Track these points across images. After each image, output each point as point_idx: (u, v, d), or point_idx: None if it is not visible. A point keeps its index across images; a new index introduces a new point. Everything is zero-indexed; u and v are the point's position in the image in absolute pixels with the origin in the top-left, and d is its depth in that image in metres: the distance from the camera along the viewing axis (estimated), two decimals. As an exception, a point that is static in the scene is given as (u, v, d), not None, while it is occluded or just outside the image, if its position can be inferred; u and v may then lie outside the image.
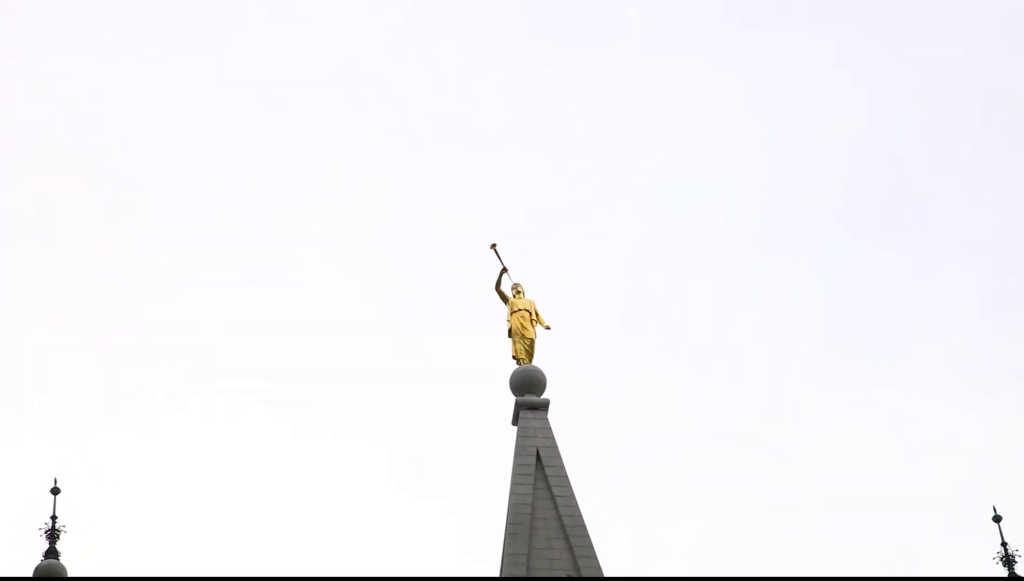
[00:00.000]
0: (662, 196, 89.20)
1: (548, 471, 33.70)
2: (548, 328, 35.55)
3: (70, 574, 31.92)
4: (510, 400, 35.37)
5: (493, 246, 36.34)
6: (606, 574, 31.57)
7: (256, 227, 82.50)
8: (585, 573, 31.34)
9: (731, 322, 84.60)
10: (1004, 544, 33.67)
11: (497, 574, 32.25)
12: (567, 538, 32.56)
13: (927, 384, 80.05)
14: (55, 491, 32.85)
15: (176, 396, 74.09)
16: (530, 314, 35.23)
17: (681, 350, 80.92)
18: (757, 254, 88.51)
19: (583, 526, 32.83)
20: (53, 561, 31.89)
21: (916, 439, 77.50)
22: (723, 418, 78.27)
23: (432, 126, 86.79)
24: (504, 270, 36.01)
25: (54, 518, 32.55)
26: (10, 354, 75.84)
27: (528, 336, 34.89)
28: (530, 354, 34.91)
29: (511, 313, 35.42)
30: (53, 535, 32.26)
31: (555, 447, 34.17)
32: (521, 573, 31.31)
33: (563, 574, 31.30)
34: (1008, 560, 33.42)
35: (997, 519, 33.98)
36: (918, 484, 73.59)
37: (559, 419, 35.67)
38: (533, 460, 33.85)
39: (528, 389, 34.82)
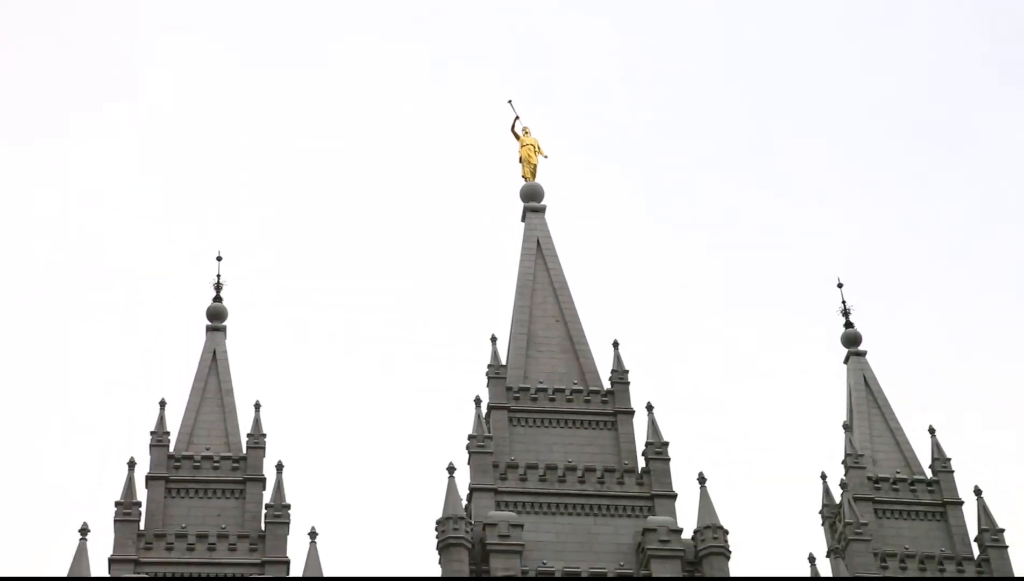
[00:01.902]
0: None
1: (544, 252, 48.94)
2: (547, 157, 51.00)
3: (229, 313, 46.99)
4: (519, 206, 50.87)
5: (509, 101, 51.45)
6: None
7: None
8: (568, 318, 46.59)
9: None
10: (844, 302, 50.08)
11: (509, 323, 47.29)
12: (556, 295, 47.89)
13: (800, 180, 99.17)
14: (219, 258, 48.11)
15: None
16: (534, 148, 50.40)
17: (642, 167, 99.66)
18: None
19: (567, 289, 48.18)
20: (219, 304, 47.04)
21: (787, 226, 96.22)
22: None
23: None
24: (517, 117, 51.23)
25: (219, 276, 47.74)
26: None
27: (532, 162, 50.13)
28: (534, 175, 50.16)
29: (521, 147, 50.71)
30: (218, 286, 47.56)
31: (550, 237, 49.48)
32: (526, 319, 46.41)
33: (553, 318, 46.70)
34: (846, 312, 49.89)
35: (840, 285, 50.58)
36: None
37: (553, 219, 51.13)
38: (535, 246, 49.05)
39: (532, 198, 50.29)
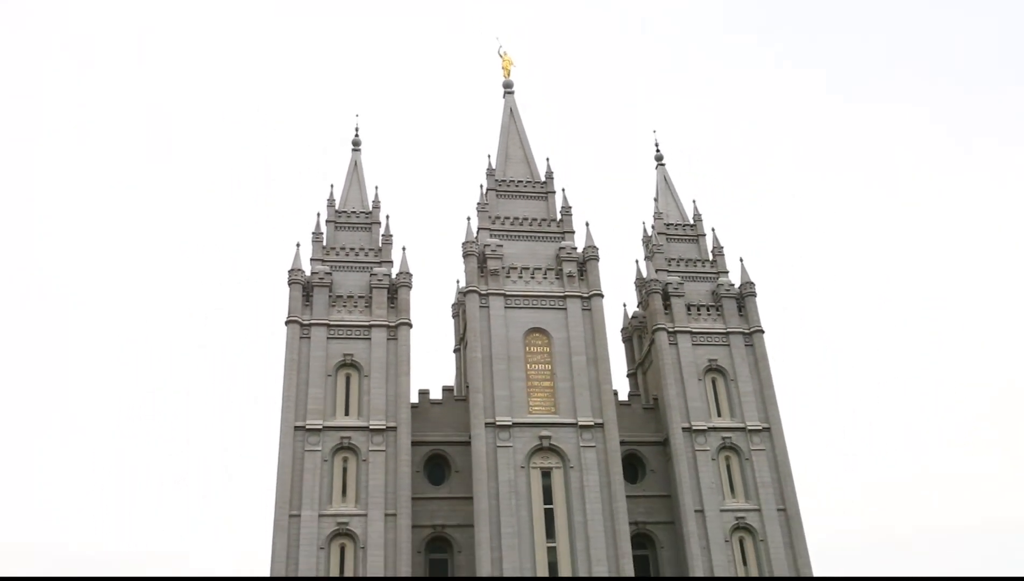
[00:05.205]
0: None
1: (514, 114, 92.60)
2: (514, 65, 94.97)
3: (363, 142, 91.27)
4: (501, 90, 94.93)
5: (496, 38, 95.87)
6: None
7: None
8: (528, 160, 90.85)
9: None
10: (656, 144, 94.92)
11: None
12: (521, 143, 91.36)
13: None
14: (356, 115, 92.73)
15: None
16: (509, 61, 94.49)
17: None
18: None
19: (525, 135, 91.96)
20: (357, 137, 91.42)
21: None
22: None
23: None
24: (500, 46, 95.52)
25: (357, 123, 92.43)
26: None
27: (507, 68, 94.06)
28: (509, 74, 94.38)
29: (502, 60, 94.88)
30: (356, 128, 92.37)
31: (516, 107, 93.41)
32: (505, 147, 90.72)
33: (518, 158, 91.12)
34: (658, 152, 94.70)
35: (654, 131, 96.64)
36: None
37: (521, 97, 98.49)
38: (510, 112, 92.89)
39: (507, 86, 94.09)
